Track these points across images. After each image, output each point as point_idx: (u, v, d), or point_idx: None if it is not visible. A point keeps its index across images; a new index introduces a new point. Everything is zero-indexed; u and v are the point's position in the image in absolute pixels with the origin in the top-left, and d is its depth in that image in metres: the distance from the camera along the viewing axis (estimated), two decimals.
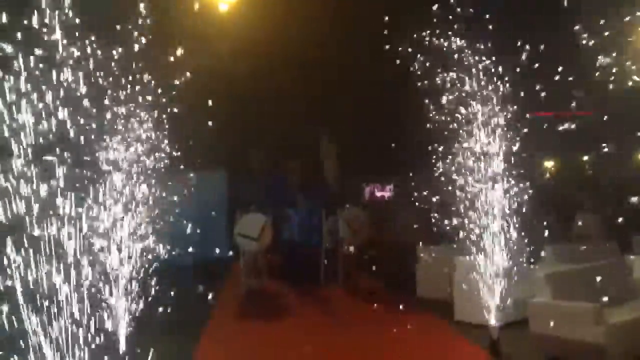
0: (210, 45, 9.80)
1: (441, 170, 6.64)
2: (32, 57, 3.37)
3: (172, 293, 6.38)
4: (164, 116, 6.47)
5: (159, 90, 6.09)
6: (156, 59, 5.89)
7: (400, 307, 7.73)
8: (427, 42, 6.39)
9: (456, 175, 6.51)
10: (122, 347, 5.11)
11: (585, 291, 6.01)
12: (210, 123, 8.79)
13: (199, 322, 8.20)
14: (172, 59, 6.06)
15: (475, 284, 6.41)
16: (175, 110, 6.43)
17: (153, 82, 5.94)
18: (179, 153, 6.96)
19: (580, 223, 10.83)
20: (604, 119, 5.93)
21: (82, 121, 3.58)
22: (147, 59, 5.70)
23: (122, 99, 5.53)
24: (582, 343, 5.72)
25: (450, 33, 6.35)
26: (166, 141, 6.61)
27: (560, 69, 6.00)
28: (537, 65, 6.20)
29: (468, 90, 6.41)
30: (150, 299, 6.07)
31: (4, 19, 3.31)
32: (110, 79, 5.07)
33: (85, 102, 3.79)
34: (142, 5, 5.52)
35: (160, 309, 6.08)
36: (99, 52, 4.41)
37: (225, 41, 9.77)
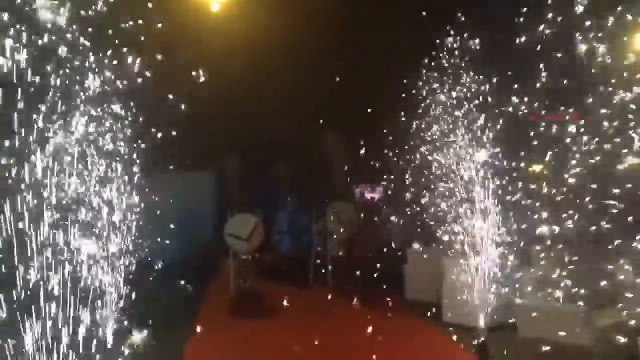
0: (200, 44, 9.74)
1: (430, 172, 6.68)
2: None
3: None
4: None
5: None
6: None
7: (389, 308, 7.74)
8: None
9: (445, 178, 6.55)
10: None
11: (572, 294, 6.07)
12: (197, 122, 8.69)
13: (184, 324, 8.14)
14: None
15: (464, 285, 6.43)
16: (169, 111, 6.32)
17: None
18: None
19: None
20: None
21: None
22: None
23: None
24: (570, 346, 5.77)
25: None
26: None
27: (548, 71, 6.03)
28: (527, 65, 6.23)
29: (456, 95, 6.46)
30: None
31: None
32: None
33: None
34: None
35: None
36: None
37: (216, 40, 9.70)
